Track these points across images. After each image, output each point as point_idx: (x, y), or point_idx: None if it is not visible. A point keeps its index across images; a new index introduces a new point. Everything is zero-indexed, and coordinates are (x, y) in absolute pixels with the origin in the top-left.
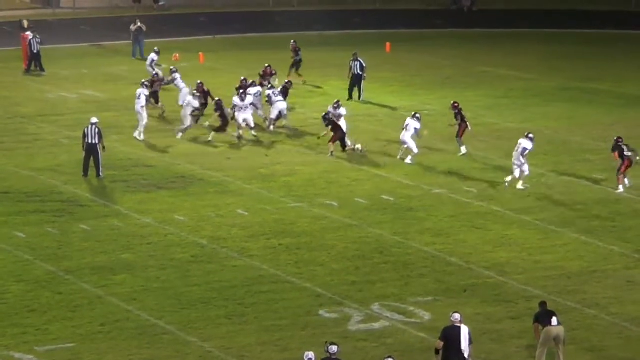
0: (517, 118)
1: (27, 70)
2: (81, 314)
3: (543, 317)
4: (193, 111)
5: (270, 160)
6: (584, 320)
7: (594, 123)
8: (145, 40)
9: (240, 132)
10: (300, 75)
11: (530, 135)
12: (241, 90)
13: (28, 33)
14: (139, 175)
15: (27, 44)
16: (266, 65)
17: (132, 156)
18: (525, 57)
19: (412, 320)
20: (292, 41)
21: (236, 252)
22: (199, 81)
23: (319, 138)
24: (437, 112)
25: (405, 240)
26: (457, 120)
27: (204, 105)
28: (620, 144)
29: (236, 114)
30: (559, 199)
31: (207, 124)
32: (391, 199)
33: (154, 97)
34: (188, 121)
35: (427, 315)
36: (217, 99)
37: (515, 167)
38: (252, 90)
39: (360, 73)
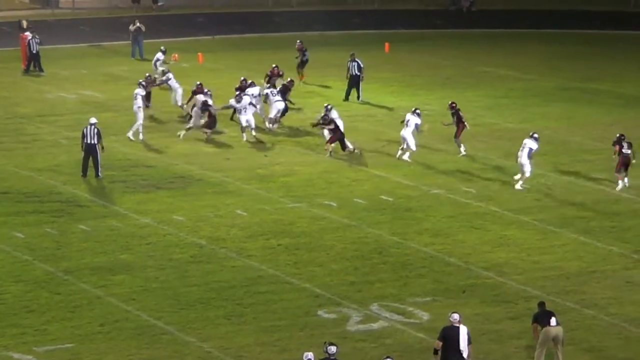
0: (517, 118)
1: (26, 71)
2: (80, 314)
3: (542, 317)
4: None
5: (269, 160)
6: (582, 320)
7: (594, 123)
8: (144, 41)
9: (244, 134)
10: (302, 75)
11: (535, 135)
12: (237, 92)
13: (27, 33)
14: (137, 175)
15: (26, 44)
16: (273, 65)
17: (131, 156)
18: (525, 57)
19: (411, 320)
20: (298, 41)
21: (235, 252)
22: (198, 82)
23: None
24: (436, 112)
25: (404, 241)
26: (453, 120)
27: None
28: (622, 139)
29: (238, 115)
30: (558, 199)
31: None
32: (390, 199)
33: (147, 97)
34: (199, 120)
35: (425, 316)
36: (203, 99)
37: (522, 166)
38: (250, 91)
39: (358, 74)
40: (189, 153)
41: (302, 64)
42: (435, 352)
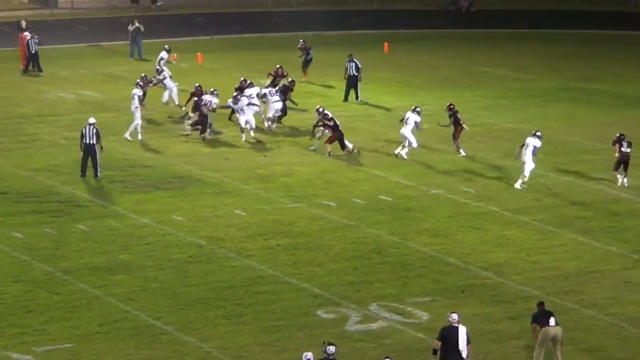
0: (516, 118)
1: (25, 71)
2: (79, 314)
3: (541, 317)
4: (214, 109)
5: (268, 160)
6: (581, 320)
7: (593, 123)
8: (143, 41)
9: (243, 134)
10: (305, 75)
11: (538, 134)
12: (235, 93)
13: (26, 33)
14: (136, 175)
15: (25, 44)
16: (277, 66)
17: (129, 156)
18: (524, 58)
19: (410, 320)
20: (301, 40)
21: (234, 252)
22: (197, 84)
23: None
24: (435, 113)
25: (403, 241)
26: (450, 121)
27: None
28: (622, 139)
29: (237, 116)
30: (557, 199)
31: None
32: (389, 199)
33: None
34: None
35: (425, 316)
36: (195, 99)
37: (524, 164)
38: (248, 92)
39: (356, 74)
40: (188, 153)
41: (306, 63)
42: (435, 352)
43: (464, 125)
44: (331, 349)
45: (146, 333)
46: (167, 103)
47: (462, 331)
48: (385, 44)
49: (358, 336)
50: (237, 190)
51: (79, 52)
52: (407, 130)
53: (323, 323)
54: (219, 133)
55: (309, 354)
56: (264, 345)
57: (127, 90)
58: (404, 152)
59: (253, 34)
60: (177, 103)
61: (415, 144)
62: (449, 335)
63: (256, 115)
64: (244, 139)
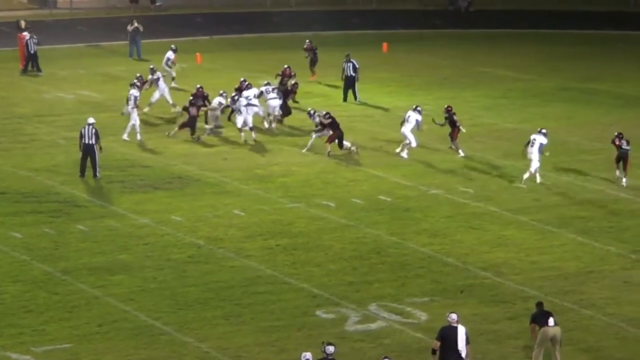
0: (516, 118)
1: (24, 71)
2: (78, 315)
3: (540, 317)
4: (222, 109)
5: (267, 160)
6: (580, 320)
7: (593, 123)
8: (142, 41)
9: (242, 134)
10: (313, 74)
11: (544, 131)
12: (234, 94)
13: (25, 33)
14: (135, 175)
15: (24, 44)
16: (285, 66)
17: (128, 157)
18: (524, 58)
19: (409, 320)
20: (307, 41)
21: (233, 252)
22: (198, 85)
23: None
24: (434, 113)
25: (402, 241)
26: (445, 122)
27: (201, 106)
28: (620, 138)
29: (236, 116)
30: (556, 200)
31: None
32: (388, 199)
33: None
34: (218, 121)
35: (424, 316)
36: (190, 99)
37: (531, 161)
38: (245, 94)
39: (353, 74)
40: (187, 153)
41: (313, 62)
42: (434, 352)
43: (460, 127)
44: (330, 349)
45: (145, 333)
46: (152, 104)
47: (461, 331)
48: (385, 44)
49: (357, 336)
50: (236, 190)
51: (78, 52)
52: (407, 129)
53: (322, 323)
54: (219, 133)
55: (308, 354)
56: (263, 345)
57: (126, 91)
58: (404, 153)
59: (252, 34)
60: (170, 102)
61: (414, 144)
62: (448, 335)
63: (256, 115)
64: (243, 139)
